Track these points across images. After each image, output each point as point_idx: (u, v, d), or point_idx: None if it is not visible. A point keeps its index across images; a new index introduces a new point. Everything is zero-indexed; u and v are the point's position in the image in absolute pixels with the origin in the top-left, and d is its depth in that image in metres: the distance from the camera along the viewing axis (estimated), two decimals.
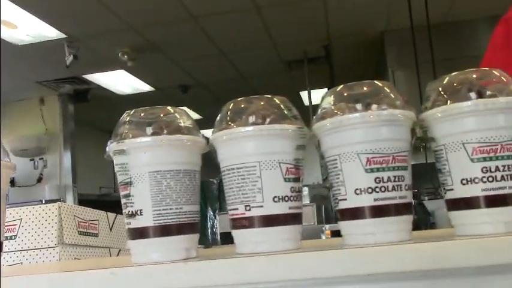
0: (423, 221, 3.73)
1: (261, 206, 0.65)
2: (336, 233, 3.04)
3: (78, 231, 1.12)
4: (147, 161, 0.67)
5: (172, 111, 0.71)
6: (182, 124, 0.70)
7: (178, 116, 0.71)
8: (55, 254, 1.06)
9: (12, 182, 6.07)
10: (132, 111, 0.71)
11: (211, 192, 5.19)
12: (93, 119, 7.76)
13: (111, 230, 1.26)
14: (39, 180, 6.29)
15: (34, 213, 1.10)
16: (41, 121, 6.63)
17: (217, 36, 5.49)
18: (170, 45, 5.67)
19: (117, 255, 1.28)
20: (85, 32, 5.14)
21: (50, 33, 5.12)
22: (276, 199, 0.66)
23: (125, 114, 0.71)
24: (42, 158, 6.38)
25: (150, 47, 5.60)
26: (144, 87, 6.86)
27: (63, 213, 1.09)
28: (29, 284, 0.65)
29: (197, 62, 6.22)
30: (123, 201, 0.69)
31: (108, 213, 1.28)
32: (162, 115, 0.70)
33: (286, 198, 0.66)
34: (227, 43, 5.71)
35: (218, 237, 4.36)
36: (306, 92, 6.20)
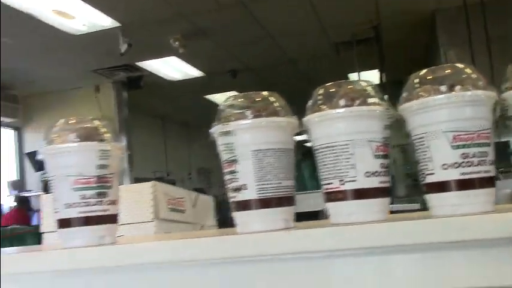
0: None
1: (354, 181, 0.72)
2: (393, 213, 3.07)
3: (169, 208, 1.23)
4: (251, 141, 0.75)
5: (267, 95, 0.79)
6: (277, 107, 0.77)
7: (273, 100, 0.78)
8: (151, 227, 1.17)
9: None
10: (232, 97, 0.79)
11: None
12: (146, 105, 8.00)
13: (194, 207, 1.36)
14: None
15: (131, 190, 1.21)
16: (97, 108, 6.89)
17: (265, 20, 5.54)
18: (220, 31, 5.76)
19: (200, 230, 1.38)
20: (138, 20, 5.30)
21: (105, 22, 5.30)
22: (367, 174, 0.72)
23: (226, 99, 0.79)
24: None
25: (200, 33, 5.72)
26: (194, 72, 7.01)
27: (157, 191, 1.20)
28: (150, 250, 0.75)
29: (246, 47, 6.29)
30: (227, 177, 0.77)
31: (190, 191, 1.38)
32: (259, 99, 0.78)
33: (377, 174, 0.73)
34: (276, 27, 5.76)
35: None
36: (355, 74, 6.17)
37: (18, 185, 7.26)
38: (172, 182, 8.00)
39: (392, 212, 0.77)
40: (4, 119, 7.07)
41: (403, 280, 0.69)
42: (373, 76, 6.46)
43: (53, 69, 6.51)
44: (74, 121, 0.84)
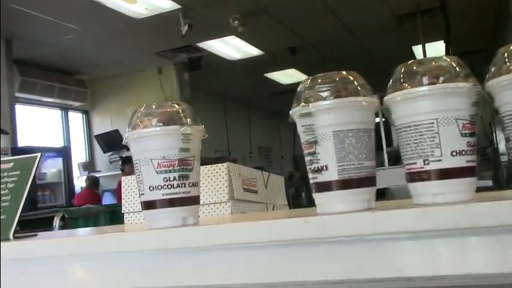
0: None
1: (440, 160, 0.70)
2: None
3: (243, 188, 1.25)
4: (331, 122, 0.74)
5: (346, 74, 0.78)
6: (358, 86, 0.76)
7: (353, 79, 0.77)
8: (227, 208, 1.19)
9: None
10: (310, 78, 0.78)
11: None
12: (207, 85, 8.10)
13: (266, 187, 1.37)
14: None
15: (206, 172, 1.24)
16: (160, 89, 7.06)
17: None
18: (278, 7, 5.72)
19: (272, 210, 1.40)
20: (198, 1, 5.34)
21: (166, 4, 5.39)
22: (454, 153, 0.70)
23: (304, 81, 0.78)
24: None
25: (259, 11, 5.69)
26: (254, 51, 7.01)
27: (231, 172, 1.22)
28: (234, 230, 0.77)
29: (305, 23, 6.22)
30: (308, 158, 0.77)
31: (263, 171, 1.40)
32: (338, 79, 0.77)
33: (463, 153, 0.70)
34: (335, 1, 5.64)
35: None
36: (419, 46, 5.97)
37: (88, 166, 7.59)
38: (234, 161, 8.11)
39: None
40: (73, 103, 7.38)
41: (483, 262, 0.67)
42: (438, 48, 6.23)
43: (118, 53, 6.70)
44: (155, 106, 0.86)
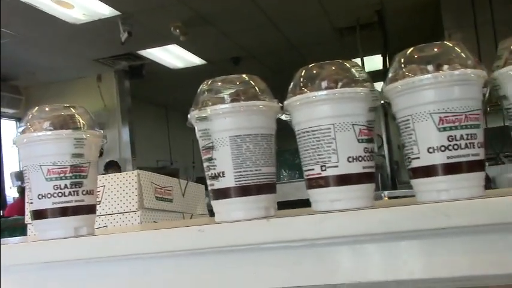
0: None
1: (336, 166, 0.69)
2: (394, 199, 3.04)
3: (155, 197, 1.20)
4: (228, 126, 0.71)
5: (247, 78, 0.75)
6: (257, 90, 0.74)
7: (253, 83, 0.75)
8: (136, 217, 1.14)
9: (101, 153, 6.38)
10: (210, 81, 0.75)
11: None
12: (148, 93, 7.96)
13: (183, 195, 1.33)
14: (100, 154, 6.49)
15: (116, 180, 1.18)
16: (99, 97, 6.87)
17: (267, 6, 5.47)
18: (221, 17, 5.70)
19: (190, 219, 1.36)
20: (138, 8, 5.25)
21: (105, 11, 5.26)
22: (350, 159, 0.69)
23: (203, 84, 0.75)
24: None
25: (201, 20, 5.66)
26: (197, 60, 6.96)
27: (142, 180, 1.17)
28: (126, 241, 0.72)
29: (248, 34, 6.23)
30: (205, 164, 0.74)
31: (180, 180, 1.36)
32: (238, 83, 0.74)
33: (360, 158, 0.69)
34: (278, 13, 5.69)
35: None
36: (359, 59, 6.10)
37: (21, 175, 7.26)
38: (176, 171, 8.00)
39: (395, 198, 0.74)
40: (6, 110, 7.07)
41: (378, 269, 0.66)
42: (377, 61, 6.39)
43: (54, 59, 6.49)
44: (49, 109, 0.81)
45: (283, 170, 5.49)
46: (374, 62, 6.33)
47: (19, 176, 7.21)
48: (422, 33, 6.63)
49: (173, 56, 6.69)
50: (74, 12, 5.23)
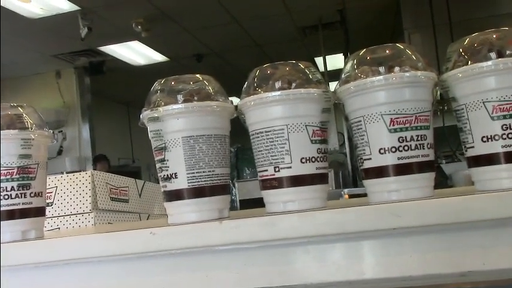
0: (440, 184, 3.75)
1: (290, 167, 0.69)
2: (355, 197, 3.09)
3: (110, 197, 1.18)
4: (180, 127, 0.70)
5: (201, 78, 0.75)
6: (211, 91, 0.73)
7: (207, 83, 0.74)
8: (90, 219, 1.12)
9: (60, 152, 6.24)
10: (163, 80, 0.74)
11: None
12: (110, 90, 7.82)
13: (140, 196, 1.31)
14: (60, 152, 6.39)
15: (68, 181, 1.15)
16: (58, 94, 6.71)
17: (230, 3, 5.45)
18: (184, 14, 5.65)
19: (147, 219, 1.34)
20: (98, 3, 5.14)
21: (63, 5, 5.13)
22: (303, 160, 0.69)
23: (156, 83, 0.74)
24: (61, 131, 6.47)
25: (163, 16, 5.59)
26: (159, 57, 6.87)
27: (96, 180, 1.14)
28: (75, 245, 0.70)
29: (211, 31, 6.19)
30: (158, 165, 0.72)
31: (136, 180, 1.33)
32: (191, 83, 0.73)
33: (313, 159, 0.69)
34: (241, 10, 5.67)
35: (237, 204, 4.44)
36: (321, 58, 6.16)
37: None
38: (138, 169, 7.90)
39: (356, 195, 0.75)
40: None
41: (335, 269, 0.66)
42: (339, 60, 6.47)
43: (11, 54, 6.29)
44: None
45: (246, 167, 5.50)
46: (336, 61, 6.41)
47: None
48: (384, 33, 6.74)
49: (135, 53, 6.59)
50: (32, 7, 5.09)
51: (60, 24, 5.46)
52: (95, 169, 5.74)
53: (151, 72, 7.28)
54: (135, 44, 6.27)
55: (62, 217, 1.13)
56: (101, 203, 1.14)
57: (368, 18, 6.25)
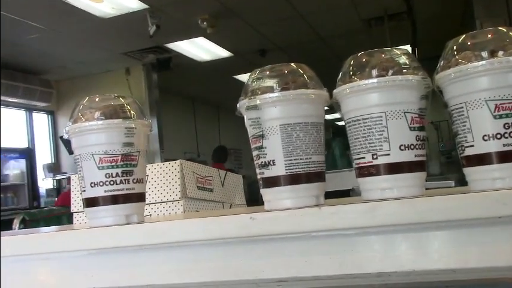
0: None
1: (388, 154, 0.69)
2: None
3: (197, 186, 1.21)
4: (278, 115, 0.71)
5: (296, 67, 0.75)
6: (306, 79, 0.74)
7: (302, 71, 0.75)
8: (180, 206, 1.16)
9: None
10: (258, 70, 0.75)
11: None
12: (176, 86, 8.02)
13: (223, 185, 1.34)
14: None
15: (159, 170, 1.20)
16: (128, 91, 6.94)
17: None
18: (248, 9, 5.69)
19: (229, 208, 1.37)
20: (166, 1, 5.27)
21: (133, 4, 5.30)
22: (402, 147, 0.68)
23: (251, 73, 0.76)
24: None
25: (228, 12, 5.66)
26: (223, 53, 6.97)
27: (184, 170, 1.18)
28: (178, 229, 0.73)
29: (275, 26, 6.21)
30: (255, 153, 0.74)
31: (219, 170, 1.37)
32: (287, 71, 0.74)
33: (412, 147, 0.69)
34: (305, 5, 5.65)
35: None
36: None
37: (53, 168, 7.41)
38: (203, 163, 8.05)
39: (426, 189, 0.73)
40: (38, 104, 7.21)
41: (438, 257, 0.65)
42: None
43: (84, 53, 6.58)
44: (99, 99, 0.82)
45: None
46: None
47: (51, 168, 7.35)
48: (452, 23, 6.51)
49: (200, 49, 6.71)
50: (103, 6, 5.29)
51: (129, 22, 5.64)
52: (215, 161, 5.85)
53: (216, 67, 7.40)
54: (201, 40, 6.39)
55: (153, 204, 1.17)
56: (190, 192, 1.18)
57: (435, 8, 6.05)
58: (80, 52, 6.52)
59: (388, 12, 5.88)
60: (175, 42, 6.46)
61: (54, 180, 7.22)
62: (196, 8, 5.49)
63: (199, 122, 8.80)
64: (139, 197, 0.81)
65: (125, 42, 6.38)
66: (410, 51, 5.32)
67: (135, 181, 0.80)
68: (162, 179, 1.18)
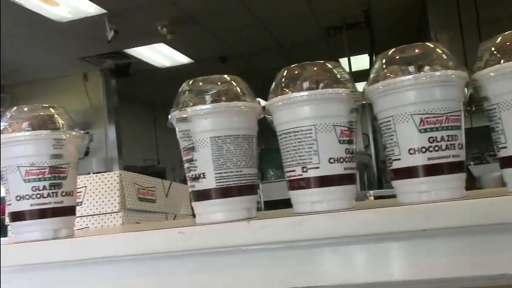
0: (469, 186, 3.68)
1: (317, 168, 0.69)
2: (380, 198, 3.06)
3: (138, 197, 1.19)
4: (208, 127, 0.70)
5: (229, 78, 0.75)
6: (239, 91, 0.73)
7: (235, 83, 0.74)
8: (118, 218, 1.13)
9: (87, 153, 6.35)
10: (191, 81, 0.74)
11: None
12: (135, 92, 7.91)
13: (167, 196, 1.32)
14: (86, 153, 6.49)
15: (97, 181, 1.17)
16: (85, 96, 6.81)
17: (254, 5, 5.46)
18: (208, 16, 5.68)
19: (174, 220, 1.35)
20: (125, 6, 5.21)
21: (90, 9, 5.21)
22: (331, 160, 0.69)
23: (184, 84, 0.75)
24: (88, 132, 6.56)
25: (188, 19, 5.63)
26: (184, 59, 6.93)
27: (124, 181, 1.16)
28: (104, 244, 0.71)
29: (235, 33, 6.22)
30: (186, 165, 0.73)
31: (163, 180, 1.35)
32: (219, 83, 0.74)
33: (341, 160, 0.69)
34: (265, 12, 5.68)
35: (262, 205, 4.44)
36: (346, 58, 6.12)
37: None
38: (163, 171, 7.96)
39: (381, 197, 0.74)
40: None
41: (364, 270, 0.65)
42: (364, 60, 6.42)
43: (39, 57, 6.42)
44: (28, 109, 0.79)
45: (270, 169, 5.50)
46: (361, 62, 6.36)
47: None
48: (409, 33, 6.66)
49: (160, 55, 6.65)
50: (59, 10, 5.18)
51: (87, 27, 5.54)
52: None
53: (176, 74, 7.34)
54: (161, 46, 6.33)
55: (91, 216, 1.14)
56: (129, 203, 1.16)
57: (393, 19, 6.19)
58: (35, 56, 6.36)
59: (347, 21, 5.98)
60: (134, 48, 6.38)
61: None
62: (156, 14, 5.44)
63: (159, 129, 8.70)
64: (69, 211, 0.78)
65: (82, 47, 6.26)
66: (368, 60, 5.40)
67: (64, 194, 0.77)
68: (101, 190, 1.15)
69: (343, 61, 6.60)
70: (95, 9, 5.22)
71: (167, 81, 7.70)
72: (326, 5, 5.59)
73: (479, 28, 4.42)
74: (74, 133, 0.80)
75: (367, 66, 5.90)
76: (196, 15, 5.64)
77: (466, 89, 0.69)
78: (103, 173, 1.17)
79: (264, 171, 5.31)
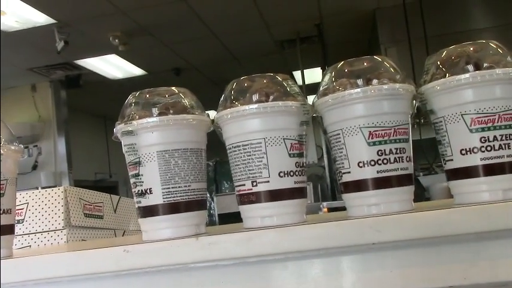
0: (418, 197, 3.76)
1: (267, 181, 0.67)
2: (333, 210, 3.09)
3: (84, 214, 1.14)
4: (155, 141, 0.68)
5: (177, 91, 0.73)
6: (187, 104, 0.71)
7: (183, 96, 0.72)
8: (63, 236, 1.08)
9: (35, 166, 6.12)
10: (137, 93, 0.72)
11: (207, 174, 5.21)
12: (86, 104, 7.73)
13: (115, 212, 1.28)
14: (35, 167, 6.27)
15: (40, 197, 1.11)
16: (34, 108, 6.60)
17: (208, 17, 5.45)
18: (161, 28, 5.63)
19: (122, 236, 1.30)
20: (75, 16, 5.09)
21: (39, 18, 5.07)
22: (281, 174, 0.68)
23: (130, 96, 0.72)
24: (36, 146, 6.36)
25: (141, 30, 5.56)
26: (137, 71, 6.82)
27: (69, 196, 1.11)
28: (44, 264, 0.67)
29: (189, 45, 6.18)
30: (132, 180, 0.70)
31: (111, 195, 1.30)
32: (167, 95, 0.72)
33: (292, 173, 0.68)
34: (219, 24, 5.68)
35: (216, 218, 4.40)
36: (299, 71, 6.19)
37: None
38: (115, 184, 7.79)
39: (335, 209, 0.73)
40: None
41: (315, 285, 0.64)
42: (317, 73, 6.51)
43: None
44: None
45: (225, 181, 5.46)
46: (314, 75, 6.45)
47: None
48: (360, 47, 6.82)
49: (112, 66, 6.53)
50: (6, 19, 5.01)
51: (35, 37, 5.38)
52: None
53: (129, 85, 7.22)
54: (113, 58, 6.22)
55: (34, 234, 1.09)
56: (74, 220, 1.11)
57: (345, 33, 6.31)
58: None
59: (301, 35, 6.06)
60: (85, 59, 6.24)
61: None
62: (108, 24, 5.35)
63: (111, 141, 8.53)
64: (7, 230, 0.74)
65: (30, 58, 6.07)
66: (320, 73, 5.48)
67: (1, 212, 0.73)
68: (44, 206, 1.10)
69: (297, 74, 6.68)
70: (44, 19, 5.08)
71: (119, 93, 7.57)
72: (280, 19, 5.65)
73: (427, 43, 4.56)
74: (12, 147, 0.76)
75: (320, 79, 5.98)
76: (149, 27, 5.58)
77: (414, 101, 0.70)
78: (46, 189, 1.12)
79: (219, 184, 5.28)
